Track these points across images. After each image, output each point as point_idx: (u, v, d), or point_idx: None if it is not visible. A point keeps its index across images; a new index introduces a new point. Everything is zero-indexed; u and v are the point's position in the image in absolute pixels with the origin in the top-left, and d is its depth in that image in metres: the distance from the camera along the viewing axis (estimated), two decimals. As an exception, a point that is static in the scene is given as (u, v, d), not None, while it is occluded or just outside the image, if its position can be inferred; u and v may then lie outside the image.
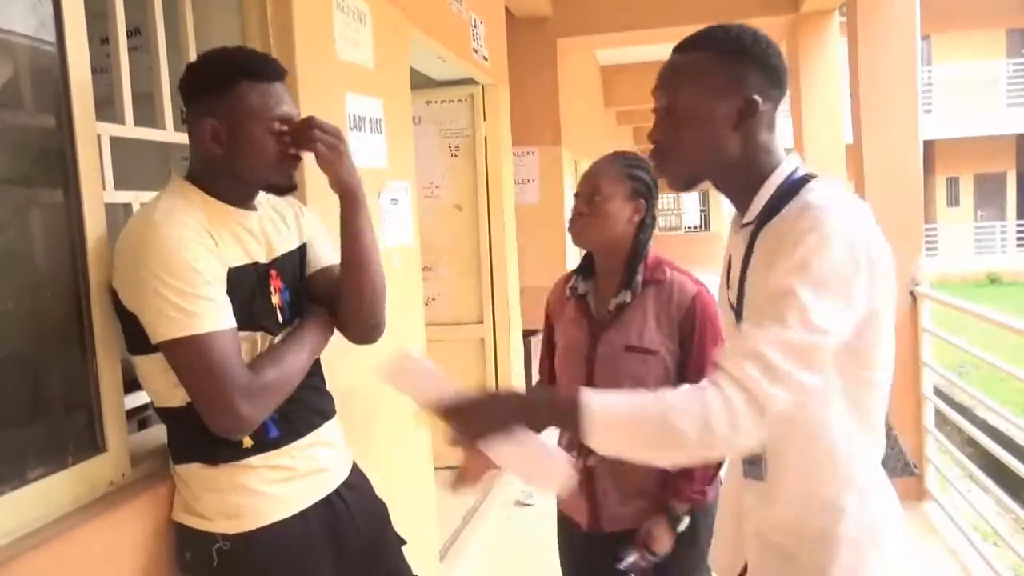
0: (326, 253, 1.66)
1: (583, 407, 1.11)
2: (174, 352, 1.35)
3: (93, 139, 1.48)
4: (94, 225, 1.46)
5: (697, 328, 1.81)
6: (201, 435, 1.41)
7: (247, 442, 1.44)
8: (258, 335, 1.48)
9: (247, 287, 1.45)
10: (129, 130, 1.66)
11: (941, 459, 4.21)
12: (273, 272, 1.53)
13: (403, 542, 1.76)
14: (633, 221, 1.86)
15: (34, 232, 1.52)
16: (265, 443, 1.47)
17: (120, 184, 1.62)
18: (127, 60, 1.67)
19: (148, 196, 1.69)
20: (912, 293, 4.15)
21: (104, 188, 1.53)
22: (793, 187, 1.22)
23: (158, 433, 1.63)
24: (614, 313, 1.86)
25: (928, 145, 14.94)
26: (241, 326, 1.41)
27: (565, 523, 2.04)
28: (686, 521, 1.83)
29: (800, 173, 1.26)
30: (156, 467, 1.57)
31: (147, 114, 1.78)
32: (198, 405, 1.37)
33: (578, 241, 1.91)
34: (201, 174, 1.48)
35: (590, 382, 1.87)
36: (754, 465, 1.31)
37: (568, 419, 1.13)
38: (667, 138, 1.27)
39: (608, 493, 1.89)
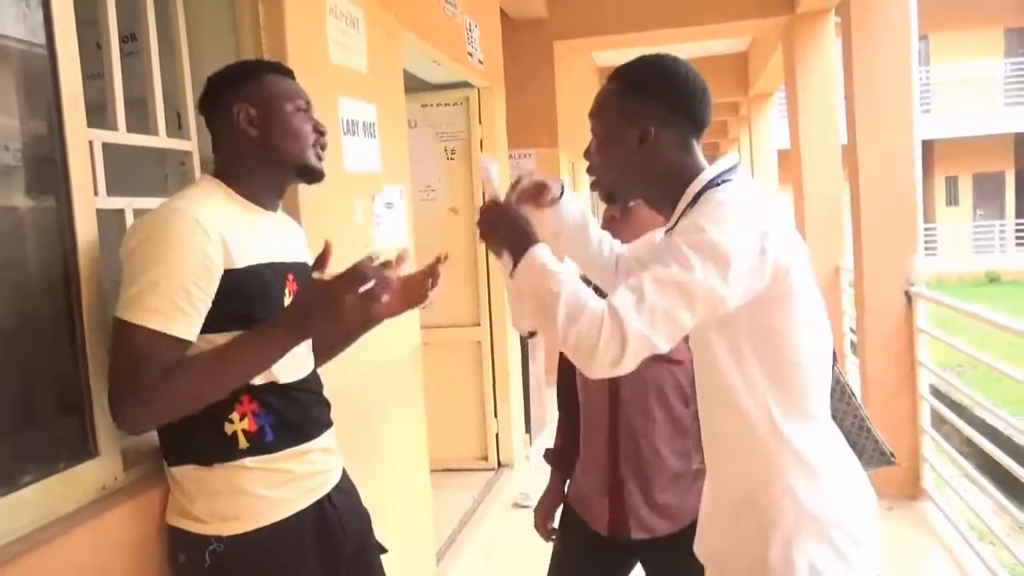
0: None
1: (531, 248, 1.31)
2: (114, 330, 1.36)
3: (84, 145, 1.48)
4: (85, 231, 1.46)
5: None
6: (194, 435, 1.42)
7: (243, 443, 1.45)
8: None
9: (261, 285, 1.46)
10: (121, 136, 1.66)
11: (938, 459, 4.22)
12: (290, 276, 1.55)
13: (383, 550, 1.76)
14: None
15: (25, 237, 1.52)
16: (260, 446, 1.47)
17: (115, 190, 1.63)
18: (119, 66, 1.67)
19: (142, 202, 1.70)
20: (907, 293, 4.16)
21: (96, 194, 1.53)
22: (707, 190, 1.32)
23: (151, 437, 1.63)
24: None
25: (926, 145, 14.95)
26: (251, 325, 1.41)
27: (578, 527, 1.99)
28: None
29: (722, 179, 1.33)
30: (149, 471, 1.57)
31: (144, 120, 1.79)
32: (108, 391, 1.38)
33: None
34: (230, 171, 1.52)
35: (615, 390, 1.88)
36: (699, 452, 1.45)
37: (522, 249, 1.32)
38: (593, 157, 1.45)
39: (636, 499, 1.88)
